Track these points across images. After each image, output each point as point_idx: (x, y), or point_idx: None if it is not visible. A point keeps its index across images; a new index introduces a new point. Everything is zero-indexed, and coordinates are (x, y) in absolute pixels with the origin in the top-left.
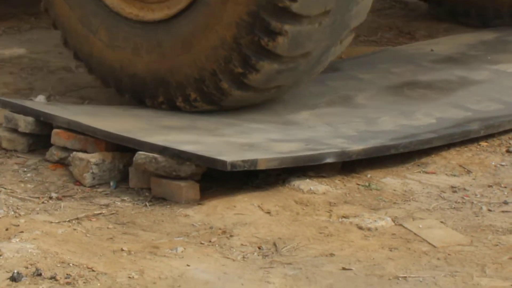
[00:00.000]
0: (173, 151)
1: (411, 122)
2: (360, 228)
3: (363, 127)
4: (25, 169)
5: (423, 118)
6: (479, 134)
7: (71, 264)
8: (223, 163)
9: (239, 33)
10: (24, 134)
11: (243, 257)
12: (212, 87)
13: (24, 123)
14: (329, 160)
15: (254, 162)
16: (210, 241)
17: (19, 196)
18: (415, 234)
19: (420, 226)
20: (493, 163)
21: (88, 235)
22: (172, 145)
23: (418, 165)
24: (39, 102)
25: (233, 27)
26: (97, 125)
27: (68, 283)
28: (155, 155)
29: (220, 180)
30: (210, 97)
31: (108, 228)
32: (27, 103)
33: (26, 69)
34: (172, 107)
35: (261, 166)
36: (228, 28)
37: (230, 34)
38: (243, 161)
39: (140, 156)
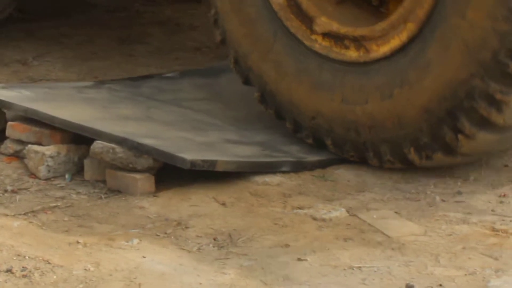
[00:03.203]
0: (132, 143)
1: None
2: (315, 219)
3: None
4: None
5: None
6: None
7: (27, 257)
8: (183, 160)
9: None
10: None
11: (199, 249)
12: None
13: None
14: (284, 168)
15: (213, 163)
16: (165, 233)
17: None
18: (369, 224)
19: (375, 216)
20: None
21: (43, 227)
22: (131, 137)
23: None
24: None
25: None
26: (54, 113)
27: (24, 276)
28: (113, 145)
29: (175, 171)
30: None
31: (63, 220)
32: None
33: None
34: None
35: (219, 168)
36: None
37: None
38: (202, 160)
39: (98, 145)
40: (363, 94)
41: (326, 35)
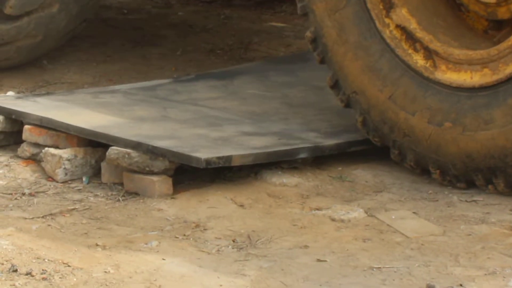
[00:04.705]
0: (147, 147)
1: None
2: (333, 220)
3: (335, 119)
4: None
5: None
6: None
7: (46, 260)
8: (198, 160)
9: None
10: None
11: (218, 250)
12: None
13: None
14: (302, 155)
15: (228, 158)
16: (184, 235)
17: None
18: (388, 225)
19: (393, 217)
20: None
21: (62, 230)
22: (146, 140)
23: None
24: (9, 97)
25: None
26: (69, 120)
27: (44, 279)
28: (128, 150)
29: (192, 173)
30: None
31: (82, 223)
32: None
33: None
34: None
35: (235, 163)
36: None
37: None
38: (218, 157)
39: (113, 151)
40: (413, 105)
41: (401, 27)
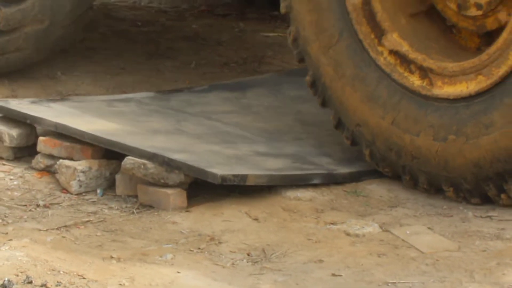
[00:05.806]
0: (163, 159)
1: None
2: (348, 234)
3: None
4: (12, 177)
5: None
6: None
7: (61, 272)
8: (214, 175)
9: None
10: None
11: (233, 264)
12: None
13: (9, 137)
14: (315, 181)
15: (244, 177)
16: (199, 248)
17: (6, 204)
18: (402, 240)
19: (408, 232)
20: None
21: (77, 242)
22: (161, 152)
23: None
24: (24, 102)
25: None
26: (84, 128)
27: None
28: (144, 161)
29: (206, 187)
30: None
31: (96, 235)
32: (12, 105)
33: (9, 76)
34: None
35: (250, 182)
36: None
37: None
38: (233, 175)
39: (129, 161)
40: (416, 126)
41: (394, 52)
